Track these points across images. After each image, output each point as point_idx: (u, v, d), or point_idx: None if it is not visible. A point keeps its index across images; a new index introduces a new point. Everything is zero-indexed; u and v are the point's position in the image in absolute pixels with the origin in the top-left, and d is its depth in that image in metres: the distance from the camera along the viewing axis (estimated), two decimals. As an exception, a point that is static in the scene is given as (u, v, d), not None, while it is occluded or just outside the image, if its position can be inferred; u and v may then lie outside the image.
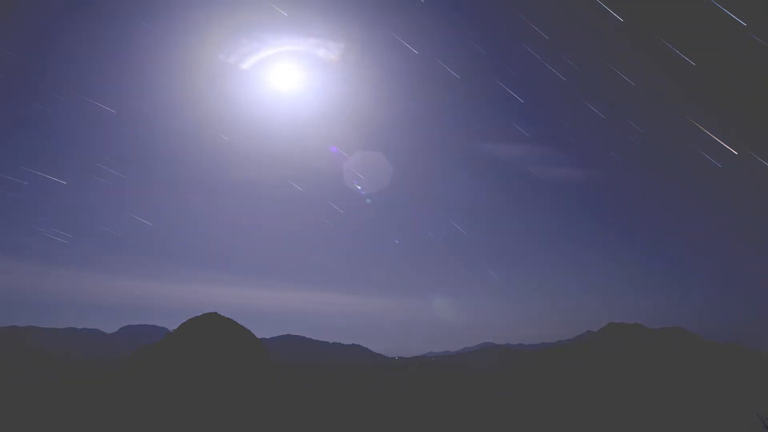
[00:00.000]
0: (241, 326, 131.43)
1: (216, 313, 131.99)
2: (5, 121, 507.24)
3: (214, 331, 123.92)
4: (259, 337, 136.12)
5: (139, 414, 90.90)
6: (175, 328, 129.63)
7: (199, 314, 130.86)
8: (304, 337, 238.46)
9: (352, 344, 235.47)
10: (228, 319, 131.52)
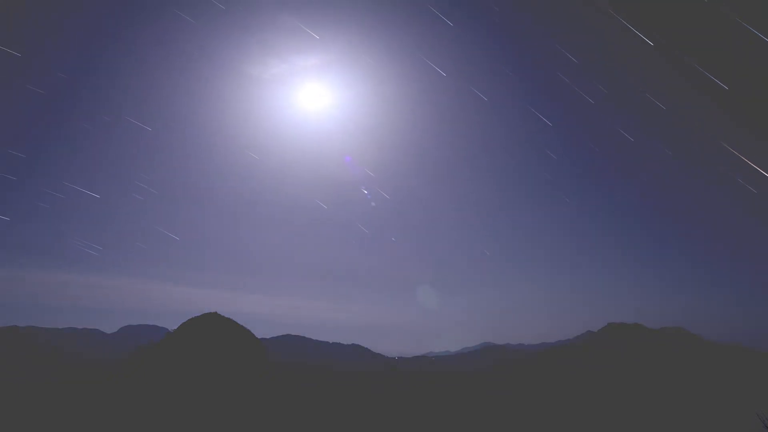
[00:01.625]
0: (241, 326, 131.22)
1: (216, 313, 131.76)
2: (52, 138, 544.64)
3: (214, 331, 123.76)
4: (259, 337, 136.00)
5: (139, 414, 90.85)
6: (175, 328, 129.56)
7: (199, 314, 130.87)
8: (304, 337, 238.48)
9: (352, 344, 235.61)
10: (228, 319, 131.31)
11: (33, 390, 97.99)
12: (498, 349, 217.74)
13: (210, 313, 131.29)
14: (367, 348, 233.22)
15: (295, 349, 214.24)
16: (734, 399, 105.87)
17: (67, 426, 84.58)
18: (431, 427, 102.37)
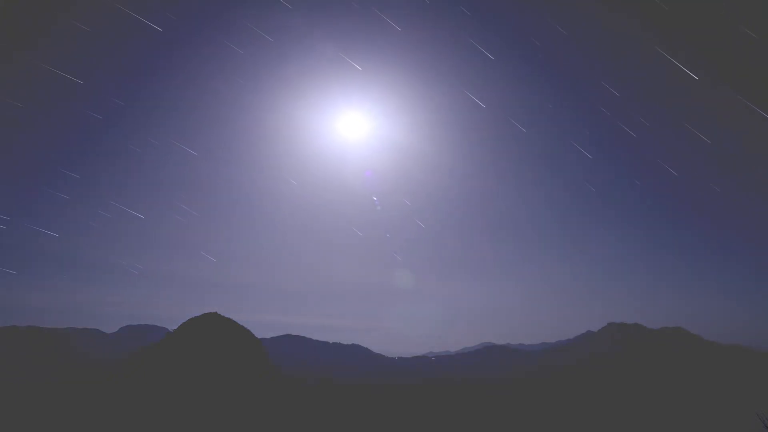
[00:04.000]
0: (241, 326, 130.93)
1: (216, 313, 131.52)
2: (105, 160, 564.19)
3: (214, 331, 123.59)
4: (259, 337, 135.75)
5: (139, 413, 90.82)
6: (175, 328, 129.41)
7: (199, 314, 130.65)
8: (304, 337, 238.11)
9: (352, 344, 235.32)
10: (228, 319, 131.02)
11: (33, 390, 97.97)
12: (498, 349, 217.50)
13: (210, 313, 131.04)
14: (367, 348, 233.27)
15: (295, 349, 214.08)
16: (734, 399, 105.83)
17: (67, 426, 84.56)
18: (432, 427, 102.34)
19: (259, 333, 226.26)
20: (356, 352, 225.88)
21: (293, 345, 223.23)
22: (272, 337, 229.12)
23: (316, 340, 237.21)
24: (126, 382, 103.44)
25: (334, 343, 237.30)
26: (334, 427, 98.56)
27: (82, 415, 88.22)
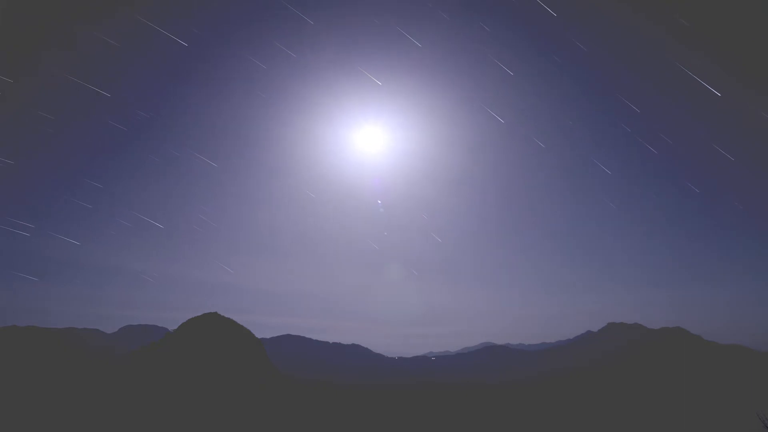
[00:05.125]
0: (241, 326, 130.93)
1: (216, 313, 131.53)
2: (127, 171, 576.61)
3: (214, 331, 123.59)
4: (259, 337, 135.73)
5: (139, 413, 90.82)
6: (175, 328, 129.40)
7: (200, 314, 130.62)
8: (304, 337, 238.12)
9: (352, 344, 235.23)
10: (228, 319, 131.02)
11: (33, 390, 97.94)
12: (498, 349, 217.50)
13: (210, 313, 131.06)
14: (367, 348, 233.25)
15: (295, 349, 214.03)
16: (734, 399, 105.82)
17: (67, 425, 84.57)
18: (432, 427, 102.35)
19: (259, 333, 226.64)
20: (356, 352, 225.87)
21: (293, 345, 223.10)
22: (272, 337, 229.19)
23: (316, 340, 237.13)
24: (126, 382, 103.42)
25: (334, 343, 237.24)
26: (334, 427, 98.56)
27: (82, 415, 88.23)
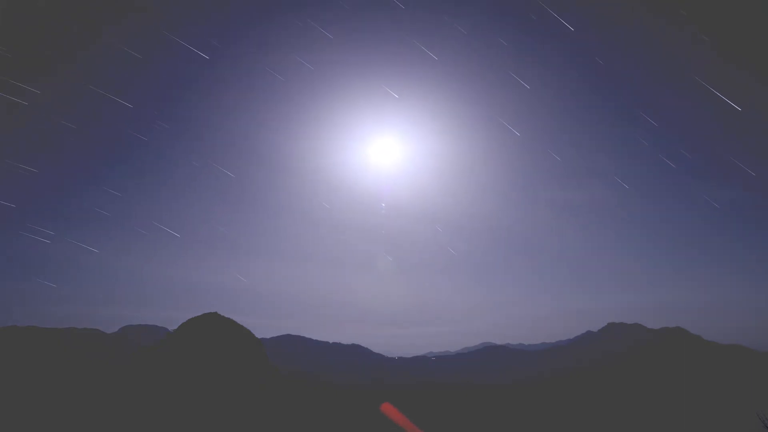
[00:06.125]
0: (241, 326, 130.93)
1: (216, 313, 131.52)
2: (147, 180, 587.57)
3: (214, 331, 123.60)
4: (259, 337, 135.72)
5: (139, 414, 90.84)
6: (175, 328, 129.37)
7: (199, 314, 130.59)
8: (303, 337, 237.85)
9: (352, 344, 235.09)
10: (228, 319, 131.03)
11: (33, 390, 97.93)
12: (498, 349, 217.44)
13: (210, 313, 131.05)
14: (366, 348, 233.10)
15: (295, 349, 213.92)
16: (734, 399, 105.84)
17: (67, 426, 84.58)
18: (431, 428, 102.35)
19: (259, 333, 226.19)
20: (356, 352, 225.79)
21: (293, 345, 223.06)
22: (272, 337, 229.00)
23: (316, 340, 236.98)
24: (126, 383, 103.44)
25: (334, 343, 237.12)
26: (334, 427, 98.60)
27: (82, 415, 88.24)
